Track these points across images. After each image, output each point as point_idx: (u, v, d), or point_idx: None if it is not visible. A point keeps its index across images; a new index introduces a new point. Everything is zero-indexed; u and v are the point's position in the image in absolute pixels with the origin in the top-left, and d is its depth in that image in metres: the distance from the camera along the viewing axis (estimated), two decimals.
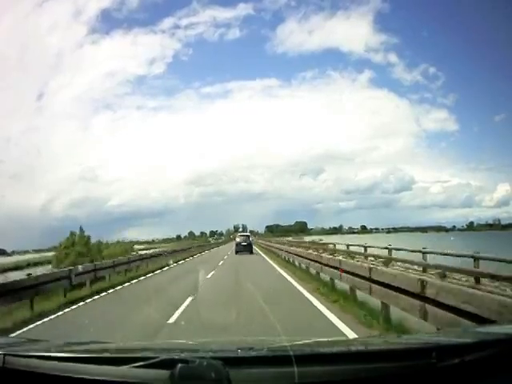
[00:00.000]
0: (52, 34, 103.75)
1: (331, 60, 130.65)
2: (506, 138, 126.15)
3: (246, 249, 30.69)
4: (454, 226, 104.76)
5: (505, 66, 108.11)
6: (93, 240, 25.40)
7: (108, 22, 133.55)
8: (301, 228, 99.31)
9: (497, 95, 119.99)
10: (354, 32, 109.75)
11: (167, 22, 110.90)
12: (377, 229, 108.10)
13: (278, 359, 1.32)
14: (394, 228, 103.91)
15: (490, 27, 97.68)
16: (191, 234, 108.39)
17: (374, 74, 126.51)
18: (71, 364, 1.35)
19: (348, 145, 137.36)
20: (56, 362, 1.37)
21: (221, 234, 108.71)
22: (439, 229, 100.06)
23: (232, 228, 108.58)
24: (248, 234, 40.35)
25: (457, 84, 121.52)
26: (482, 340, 1.50)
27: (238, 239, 33.07)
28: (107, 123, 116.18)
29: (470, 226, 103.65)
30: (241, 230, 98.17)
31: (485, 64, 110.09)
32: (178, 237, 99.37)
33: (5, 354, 1.39)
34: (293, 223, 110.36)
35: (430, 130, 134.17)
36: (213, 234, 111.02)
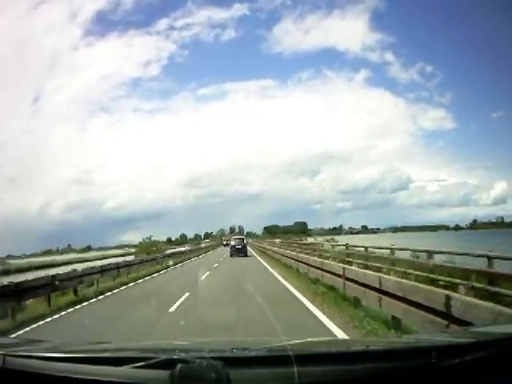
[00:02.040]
0: (48, 37, 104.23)
1: (327, 59, 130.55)
2: (503, 136, 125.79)
3: (240, 251, 32.09)
4: (458, 225, 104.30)
5: (502, 64, 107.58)
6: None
7: (103, 24, 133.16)
8: (301, 228, 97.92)
9: (494, 93, 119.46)
10: (350, 31, 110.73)
11: (162, 24, 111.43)
12: (378, 229, 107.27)
13: (277, 359, 1.33)
14: (395, 227, 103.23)
15: (486, 25, 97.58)
16: (183, 236, 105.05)
17: (371, 73, 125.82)
18: (71, 364, 1.35)
19: (345, 144, 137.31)
20: (56, 363, 1.37)
21: (215, 237, 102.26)
22: (446, 227, 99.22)
23: (228, 229, 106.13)
24: (243, 237, 41.81)
25: (454, 82, 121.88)
26: (481, 340, 1.50)
27: (232, 242, 35.03)
28: (103, 126, 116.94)
29: (474, 225, 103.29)
30: (237, 231, 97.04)
31: (482, 62, 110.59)
32: (169, 239, 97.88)
33: (5, 355, 1.39)
34: (291, 224, 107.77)
35: (427, 129, 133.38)
36: (208, 235, 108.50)
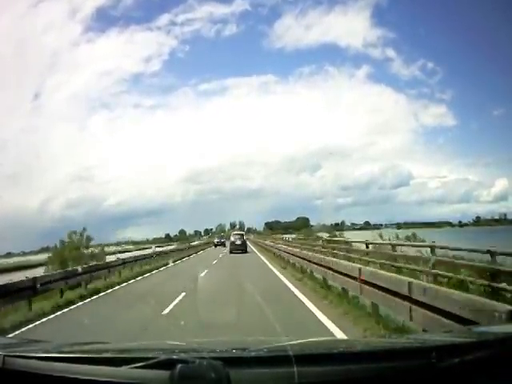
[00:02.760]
0: (48, 33, 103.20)
1: (329, 55, 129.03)
2: (504, 133, 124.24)
3: (240, 247, 31.70)
4: (461, 222, 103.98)
5: (504, 61, 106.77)
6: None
7: (104, 20, 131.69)
8: (303, 224, 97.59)
9: (496, 90, 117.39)
10: (351, 27, 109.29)
11: (163, 19, 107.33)
12: (380, 225, 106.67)
13: (277, 359, 1.32)
14: (397, 223, 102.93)
15: (488, 22, 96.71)
16: (182, 232, 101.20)
17: (372, 70, 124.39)
18: (71, 365, 1.35)
19: (346, 140, 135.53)
20: (56, 363, 1.37)
21: (214, 233, 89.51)
22: (450, 224, 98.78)
23: (228, 225, 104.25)
24: (242, 232, 40.76)
25: (455, 79, 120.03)
26: (482, 340, 1.50)
27: (232, 238, 34.44)
28: (104, 122, 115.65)
29: (477, 221, 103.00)
30: (237, 227, 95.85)
31: (483, 59, 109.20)
32: (167, 236, 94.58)
33: (4, 355, 1.39)
34: (293, 219, 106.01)
35: (428, 126, 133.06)
36: (207, 232, 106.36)
